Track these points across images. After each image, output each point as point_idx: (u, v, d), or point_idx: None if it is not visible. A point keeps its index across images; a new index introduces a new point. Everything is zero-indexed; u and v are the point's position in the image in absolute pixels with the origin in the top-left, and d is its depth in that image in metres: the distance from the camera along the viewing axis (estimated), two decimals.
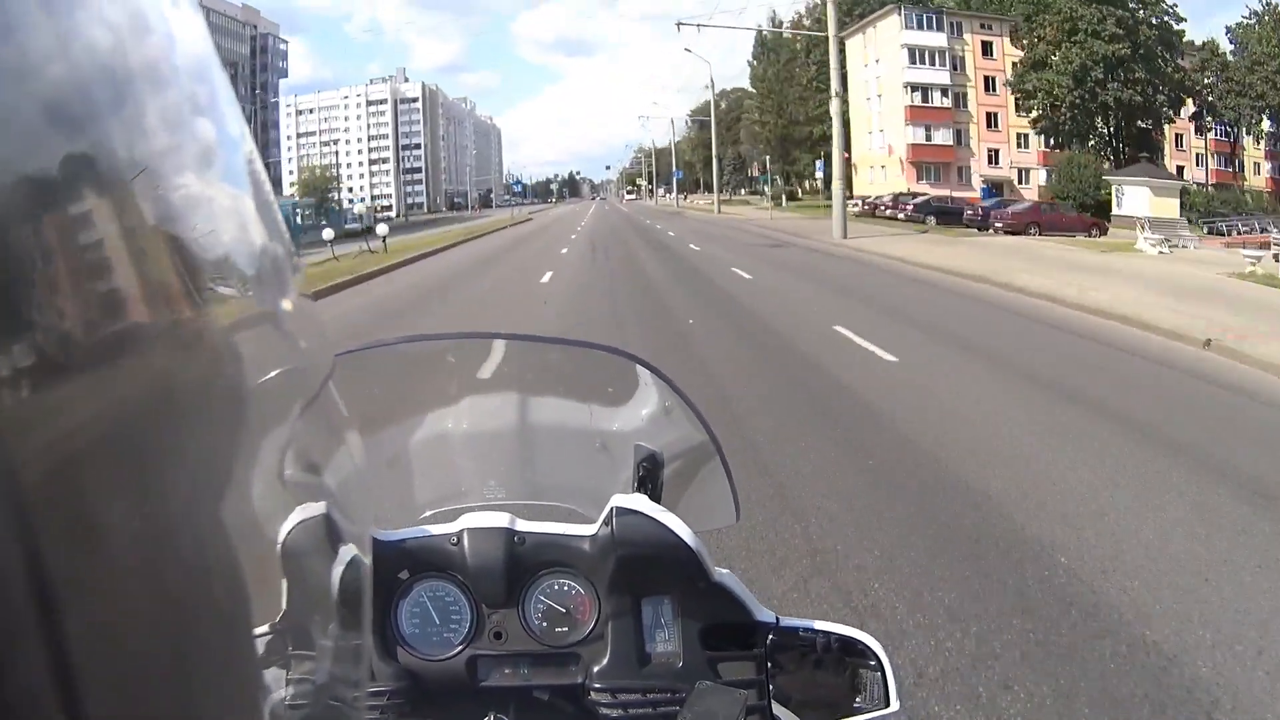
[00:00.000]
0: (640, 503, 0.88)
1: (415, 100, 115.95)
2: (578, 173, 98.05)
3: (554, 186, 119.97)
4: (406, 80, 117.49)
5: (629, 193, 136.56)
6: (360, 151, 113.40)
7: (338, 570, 0.42)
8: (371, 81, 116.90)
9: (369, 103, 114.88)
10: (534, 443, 1.17)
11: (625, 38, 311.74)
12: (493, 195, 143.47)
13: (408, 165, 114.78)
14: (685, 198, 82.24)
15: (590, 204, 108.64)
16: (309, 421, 0.39)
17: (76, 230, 0.23)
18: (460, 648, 0.89)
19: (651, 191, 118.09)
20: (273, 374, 0.35)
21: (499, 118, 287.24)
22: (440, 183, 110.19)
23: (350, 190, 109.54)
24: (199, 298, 0.29)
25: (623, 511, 0.86)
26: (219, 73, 0.35)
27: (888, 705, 0.86)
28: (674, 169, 78.64)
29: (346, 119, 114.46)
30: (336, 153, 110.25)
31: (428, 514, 1.00)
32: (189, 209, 0.30)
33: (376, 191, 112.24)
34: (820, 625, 0.89)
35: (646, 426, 1.05)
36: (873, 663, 0.88)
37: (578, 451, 1.14)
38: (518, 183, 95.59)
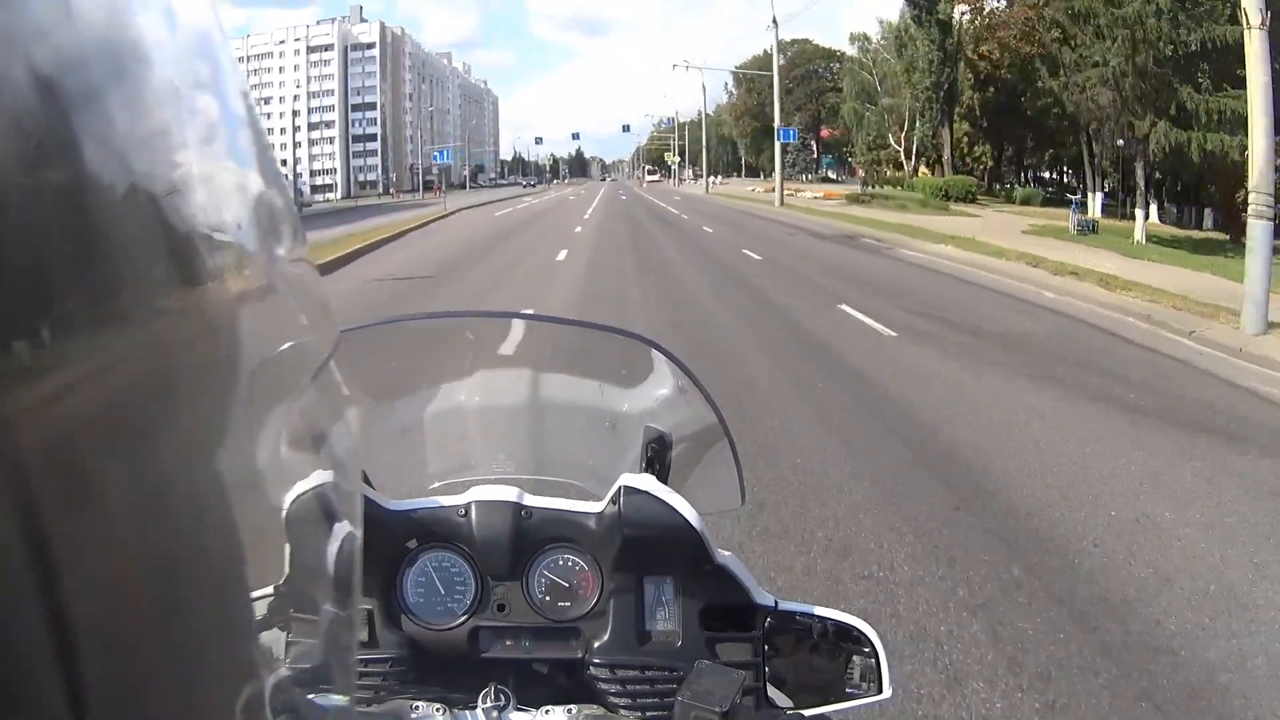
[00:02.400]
0: (648, 483, 0.88)
1: (372, 47, 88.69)
2: (575, 135, 65.27)
3: (545, 162, 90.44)
4: (364, 20, 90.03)
5: (650, 172, 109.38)
6: (298, 114, 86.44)
7: (335, 539, 0.43)
8: (318, 22, 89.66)
9: (310, 49, 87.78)
10: (545, 419, 1.19)
11: (643, 17, 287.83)
12: (465, 172, 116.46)
13: (359, 131, 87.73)
14: (774, 183, 53.69)
15: (599, 186, 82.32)
16: (312, 395, 0.39)
17: (75, 209, 0.23)
18: (463, 618, 0.90)
19: (670, 172, 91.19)
20: (274, 348, 0.35)
21: (512, 95, 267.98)
22: (404, 155, 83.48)
23: (284, 163, 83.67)
24: (201, 274, 0.29)
25: (630, 491, 0.87)
26: (223, 47, 0.35)
27: (880, 692, 0.88)
28: (776, 125, 35.39)
29: (282, 70, 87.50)
30: (268, 114, 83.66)
31: (437, 485, 1.01)
32: (192, 186, 0.29)
33: (318, 165, 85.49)
34: (818, 610, 0.90)
35: (657, 407, 1.05)
36: (867, 649, 0.88)
37: (588, 430, 1.15)
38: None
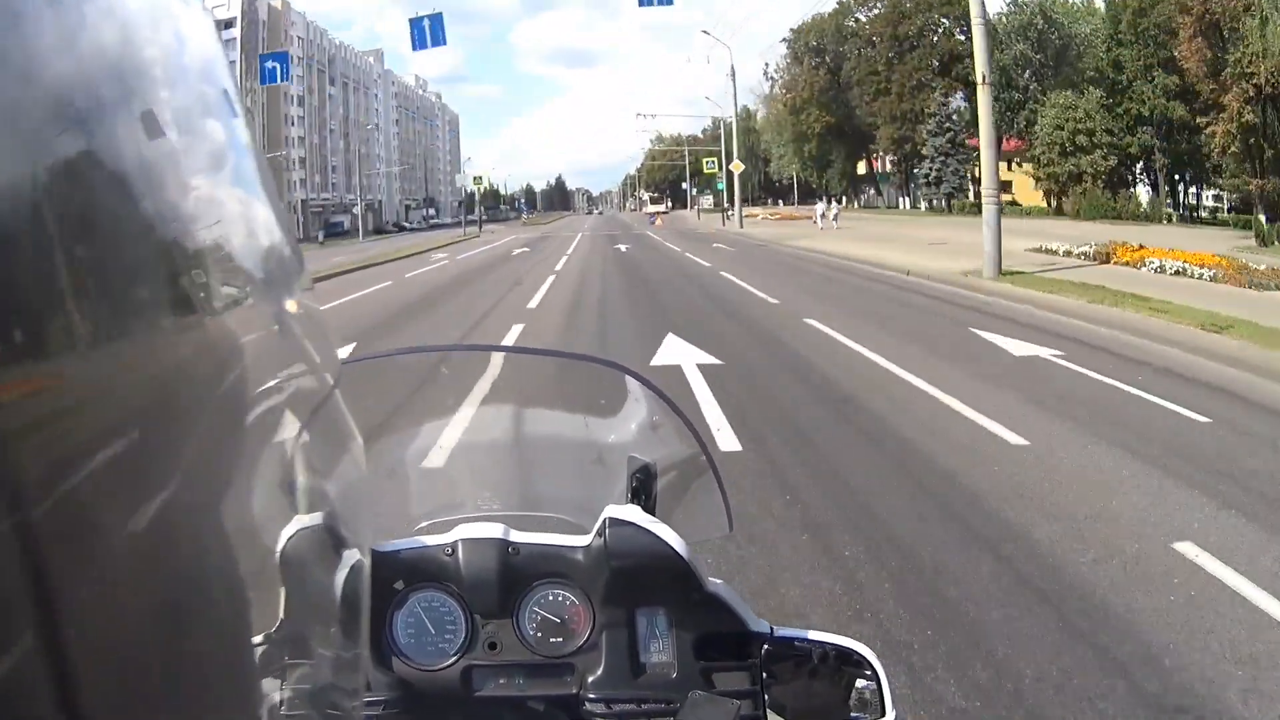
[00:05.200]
0: (633, 514, 0.88)
1: (231, 25, 59.16)
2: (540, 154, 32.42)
3: (475, 190, 57.13)
4: None
5: (654, 200, 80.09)
6: None
7: (337, 579, 0.41)
8: None
9: None
10: (528, 454, 1.20)
11: (627, 49, 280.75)
12: (418, 210, 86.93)
13: None
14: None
15: (581, 223, 53.55)
16: (313, 430, 0.39)
17: (81, 231, 0.22)
18: (455, 658, 0.90)
19: (694, 200, 61.88)
20: (277, 381, 0.35)
21: (498, 129, 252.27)
22: (286, 185, 54.07)
23: None
24: (205, 303, 0.29)
25: (616, 522, 0.86)
26: (226, 73, 0.34)
27: (883, 715, 0.87)
28: None
29: None
30: None
31: (423, 525, 1.00)
32: (197, 212, 0.29)
33: None
34: (815, 635, 0.90)
35: (640, 438, 1.04)
36: (868, 672, 0.87)
37: (572, 463, 1.15)
38: None
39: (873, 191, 55.48)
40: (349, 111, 77.27)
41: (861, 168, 54.50)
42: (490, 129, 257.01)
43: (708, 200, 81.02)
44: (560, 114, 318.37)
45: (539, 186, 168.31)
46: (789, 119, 51.94)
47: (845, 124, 49.82)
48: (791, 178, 63.35)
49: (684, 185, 74.91)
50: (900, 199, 50.05)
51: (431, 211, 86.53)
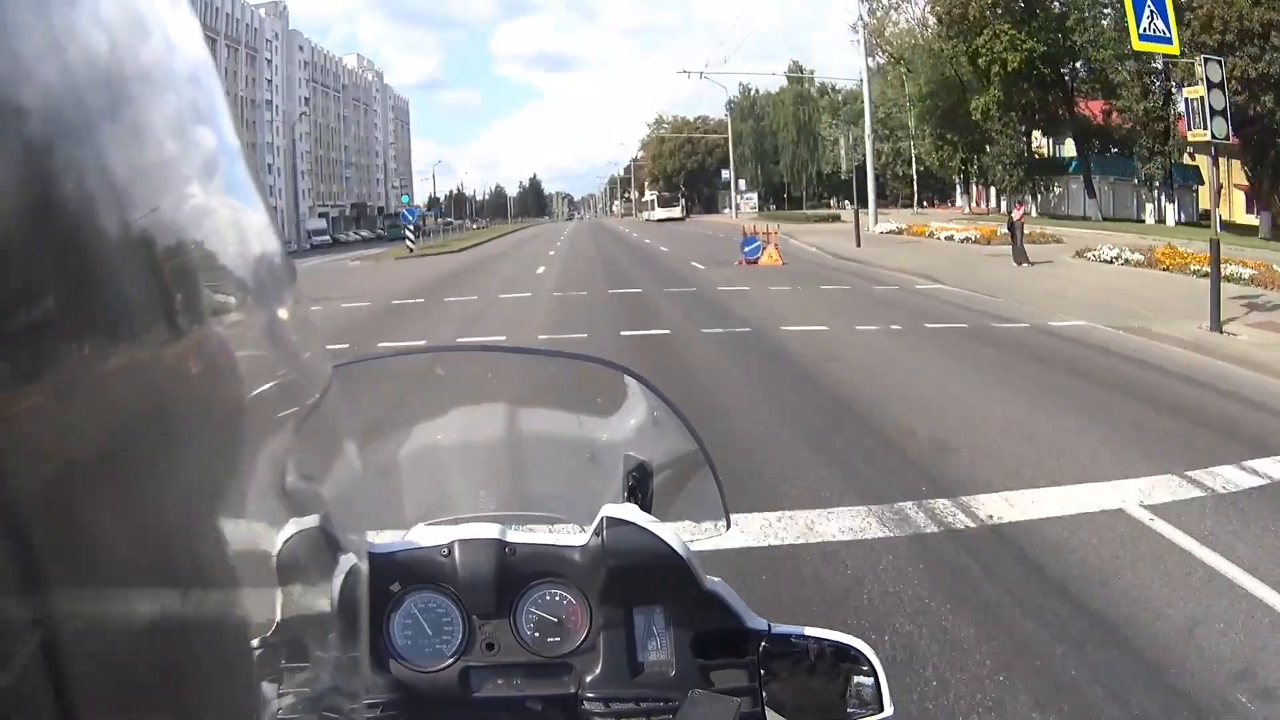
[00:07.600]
0: (631, 513, 0.88)
1: None
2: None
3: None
4: None
5: (664, 203, 56.54)
6: None
7: (335, 582, 0.42)
8: None
9: None
10: (524, 454, 1.20)
11: (608, 54, 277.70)
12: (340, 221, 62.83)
13: None
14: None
15: (549, 245, 29.86)
16: (307, 433, 0.39)
17: (74, 241, 0.22)
18: (452, 659, 0.90)
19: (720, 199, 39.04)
20: (270, 386, 0.35)
21: (477, 134, 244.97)
22: None
23: None
24: (198, 310, 0.29)
25: (613, 522, 0.87)
26: (216, 77, 0.34)
27: (880, 710, 0.87)
28: None
29: None
30: None
31: (419, 526, 1.00)
32: (191, 220, 0.29)
33: None
34: (812, 632, 0.90)
35: (636, 436, 1.05)
36: (865, 668, 0.88)
37: (568, 462, 1.15)
38: None
39: (1058, 189, 32.10)
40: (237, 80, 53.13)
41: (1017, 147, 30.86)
42: (469, 135, 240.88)
43: (750, 200, 57.74)
44: (539, 119, 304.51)
45: (514, 191, 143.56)
46: (942, 50, 28.47)
47: (1040, 60, 26.52)
48: (860, 163, 39.81)
49: (724, 174, 51.26)
50: (1155, 203, 26.69)
51: (322, 225, 61.60)
